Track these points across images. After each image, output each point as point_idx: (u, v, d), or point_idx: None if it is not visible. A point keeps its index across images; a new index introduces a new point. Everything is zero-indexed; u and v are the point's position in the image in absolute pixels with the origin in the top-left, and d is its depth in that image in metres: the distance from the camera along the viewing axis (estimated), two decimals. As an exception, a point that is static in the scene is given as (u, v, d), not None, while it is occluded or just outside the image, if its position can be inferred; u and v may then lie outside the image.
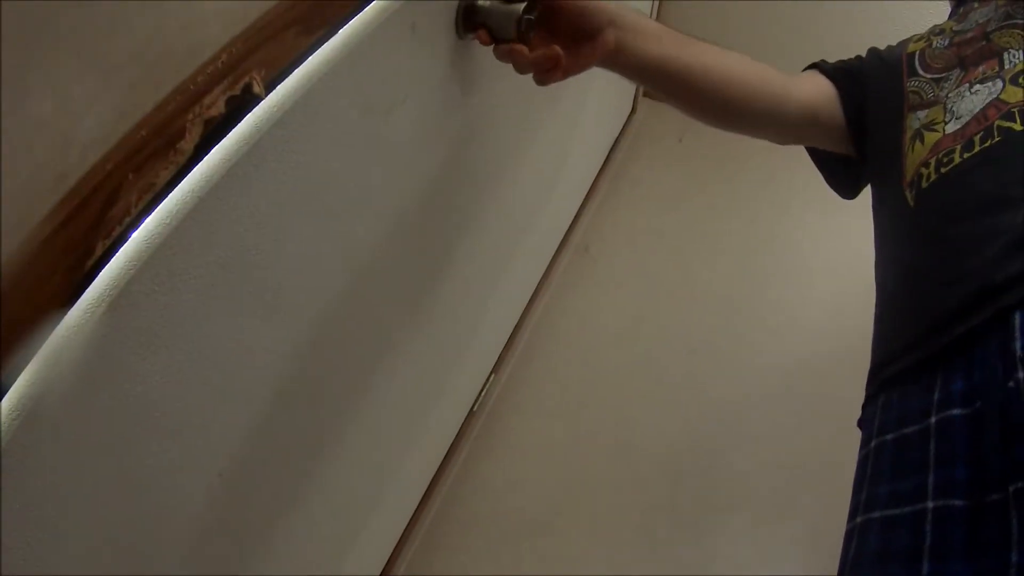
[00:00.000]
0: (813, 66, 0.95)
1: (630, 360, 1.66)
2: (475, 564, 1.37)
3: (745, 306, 1.75)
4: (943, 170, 0.69)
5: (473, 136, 1.01)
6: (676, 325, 1.73)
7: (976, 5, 0.83)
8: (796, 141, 0.97)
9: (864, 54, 0.93)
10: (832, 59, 0.95)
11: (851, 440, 1.51)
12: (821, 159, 1.00)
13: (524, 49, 0.77)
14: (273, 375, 0.73)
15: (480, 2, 0.81)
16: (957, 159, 0.68)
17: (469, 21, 0.82)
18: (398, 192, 0.86)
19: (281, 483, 0.83)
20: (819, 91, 0.90)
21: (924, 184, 0.71)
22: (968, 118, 0.71)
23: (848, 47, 0.96)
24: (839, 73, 0.91)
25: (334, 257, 0.77)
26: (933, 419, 0.59)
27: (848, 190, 0.99)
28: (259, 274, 0.64)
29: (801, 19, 1.98)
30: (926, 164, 0.72)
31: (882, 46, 0.92)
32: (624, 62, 0.83)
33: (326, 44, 0.60)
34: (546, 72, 0.78)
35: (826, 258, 1.82)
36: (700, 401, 1.58)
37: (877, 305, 0.79)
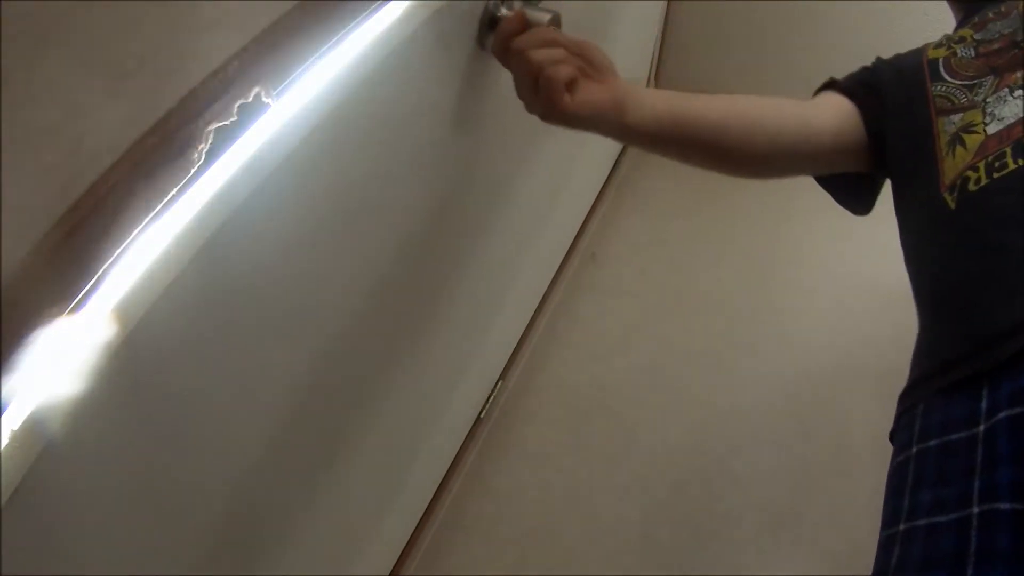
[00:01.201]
0: (827, 85, 0.92)
1: (636, 367, 1.66)
2: (480, 569, 1.36)
3: (751, 314, 1.74)
4: (995, 175, 0.67)
5: (486, 145, 1.01)
6: (682, 333, 1.72)
7: (991, 15, 0.82)
8: (827, 170, 0.94)
9: (870, 64, 0.91)
10: (842, 59, 0.93)
11: (855, 448, 1.50)
12: (827, 180, 0.97)
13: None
14: (286, 384, 0.72)
15: (502, 13, 0.80)
16: (1011, 164, 0.67)
17: (490, 30, 0.81)
18: (411, 201, 0.86)
19: (292, 490, 0.83)
20: (840, 113, 0.87)
21: (972, 187, 0.69)
22: (1013, 120, 0.69)
23: (858, 46, 0.95)
24: (855, 87, 0.89)
25: (344, 266, 0.77)
26: (982, 427, 0.58)
27: (862, 206, 0.97)
28: (271, 282, 0.64)
29: (813, 19, 1.97)
30: (974, 168, 0.70)
31: (890, 46, 0.91)
32: (635, 120, 0.80)
33: (346, 50, 0.59)
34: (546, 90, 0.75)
35: (832, 267, 1.81)
36: (705, 409, 1.58)
37: (922, 312, 0.76)
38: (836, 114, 0.87)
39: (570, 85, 0.75)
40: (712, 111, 0.83)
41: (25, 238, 0.41)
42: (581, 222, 1.85)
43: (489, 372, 1.50)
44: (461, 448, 1.44)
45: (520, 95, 0.79)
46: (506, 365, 1.56)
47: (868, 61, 0.92)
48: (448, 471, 1.41)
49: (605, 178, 1.97)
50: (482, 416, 1.50)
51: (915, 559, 0.59)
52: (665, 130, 0.82)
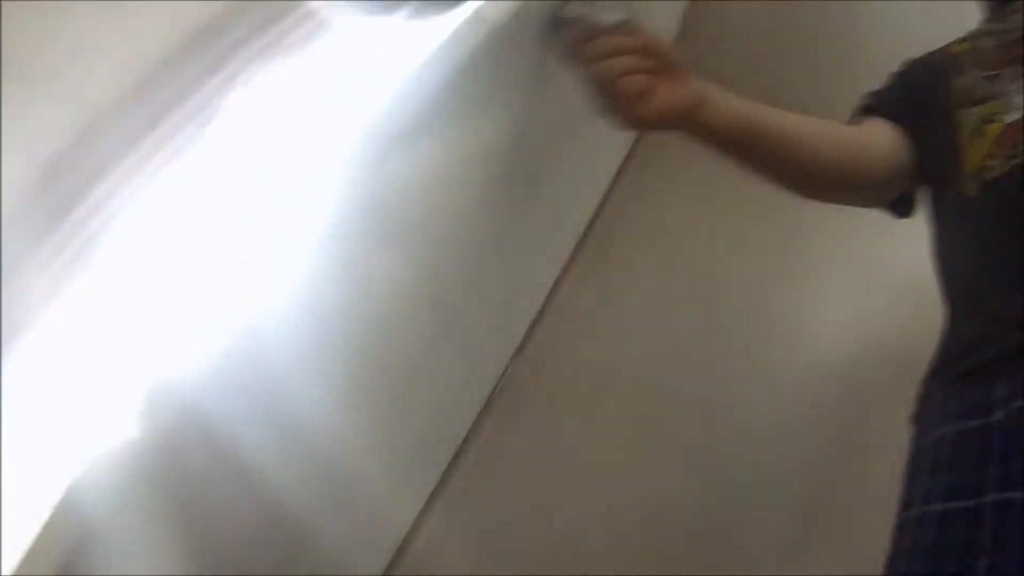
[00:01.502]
0: (867, 110, 0.91)
1: (646, 358, 1.65)
2: (491, 546, 1.37)
3: (766, 306, 1.72)
4: (1013, 162, 0.68)
5: (533, 142, 1.01)
6: (694, 323, 1.70)
7: (1014, 8, 0.83)
8: (887, 196, 0.93)
9: (896, 71, 0.92)
10: (866, 63, 0.93)
11: (873, 439, 1.49)
12: None
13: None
14: (320, 386, 0.73)
15: (568, 13, 0.77)
16: None
17: (555, 31, 0.79)
18: (457, 197, 0.86)
19: (311, 485, 0.84)
20: (889, 138, 0.86)
21: (990, 176, 0.70)
22: None
23: (882, 47, 0.95)
24: (893, 106, 0.88)
25: (381, 263, 0.76)
26: (998, 415, 0.58)
27: (905, 208, 0.95)
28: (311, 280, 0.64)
29: (835, 20, 1.94)
30: (992, 156, 0.70)
31: (907, 43, 0.91)
32: (711, 119, 0.78)
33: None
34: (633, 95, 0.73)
35: (850, 261, 1.79)
36: (717, 400, 1.57)
37: (949, 298, 0.77)
38: (889, 141, 0.86)
39: (646, 90, 0.74)
40: (787, 124, 0.83)
41: (26, 234, 0.41)
42: (594, 210, 1.84)
43: (496, 363, 1.50)
44: (465, 438, 1.44)
45: (596, 105, 0.78)
46: (512, 356, 1.56)
47: (885, 58, 0.92)
48: (459, 449, 1.42)
49: (619, 165, 1.96)
50: (495, 394, 1.50)
51: (928, 545, 0.60)
52: (740, 133, 0.81)
